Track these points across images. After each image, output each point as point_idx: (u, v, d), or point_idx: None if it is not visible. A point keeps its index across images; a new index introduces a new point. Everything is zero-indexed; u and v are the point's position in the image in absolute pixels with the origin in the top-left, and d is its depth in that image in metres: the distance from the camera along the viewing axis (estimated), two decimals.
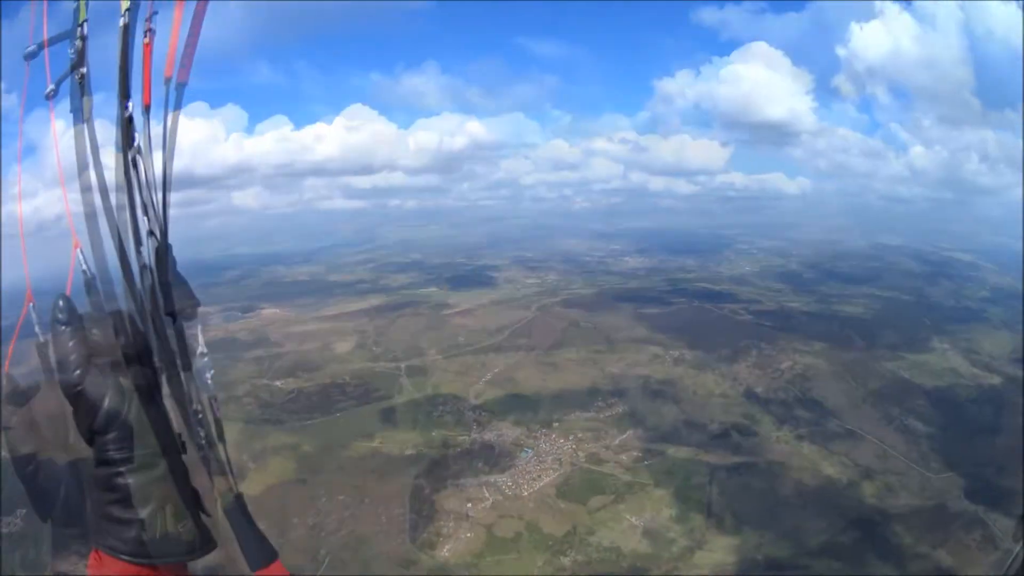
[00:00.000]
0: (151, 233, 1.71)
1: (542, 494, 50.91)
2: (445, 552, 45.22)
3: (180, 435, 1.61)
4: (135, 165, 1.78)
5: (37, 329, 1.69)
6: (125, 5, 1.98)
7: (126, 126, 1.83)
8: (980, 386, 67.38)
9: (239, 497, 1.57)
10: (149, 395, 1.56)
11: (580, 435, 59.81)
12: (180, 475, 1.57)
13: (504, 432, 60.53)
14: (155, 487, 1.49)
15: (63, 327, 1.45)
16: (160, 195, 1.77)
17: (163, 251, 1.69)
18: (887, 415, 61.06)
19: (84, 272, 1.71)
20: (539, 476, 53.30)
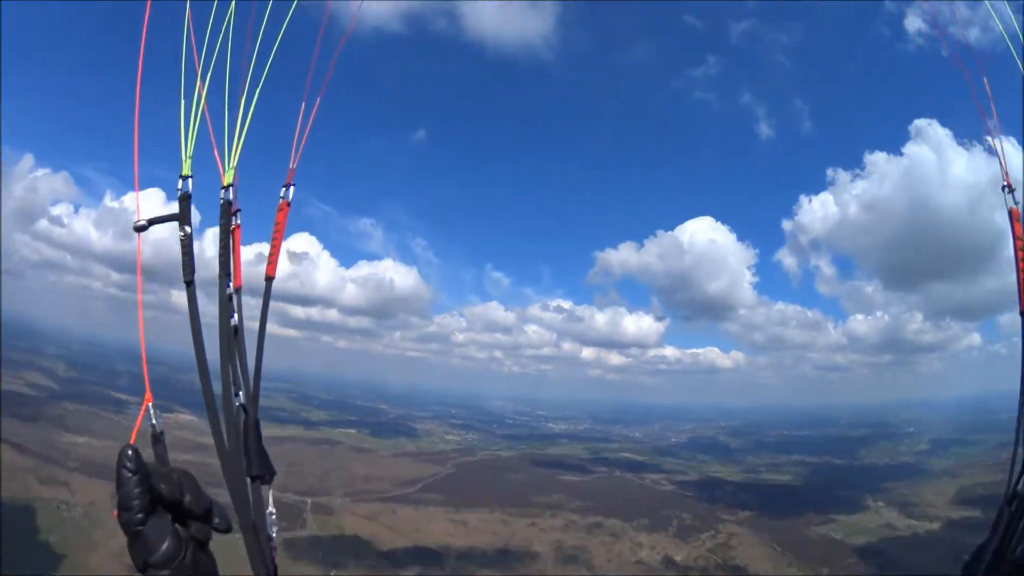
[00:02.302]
0: (242, 407, 2.05)
1: None
2: None
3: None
4: (229, 343, 2.06)
5: (153, 422, 1.85)
6: (228, 179, 2.22)
7: (226, 303, 2.08)
8: (915, 535, 67.33)
9: None
10: (203, 548, 1.78)
11: None
12: None
13: None
14: None
15: (131, 475, 1.56)
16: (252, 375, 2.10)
17: (251, 425, 2.04)
18: None
19: (153, 426, 1.87)
20: None
